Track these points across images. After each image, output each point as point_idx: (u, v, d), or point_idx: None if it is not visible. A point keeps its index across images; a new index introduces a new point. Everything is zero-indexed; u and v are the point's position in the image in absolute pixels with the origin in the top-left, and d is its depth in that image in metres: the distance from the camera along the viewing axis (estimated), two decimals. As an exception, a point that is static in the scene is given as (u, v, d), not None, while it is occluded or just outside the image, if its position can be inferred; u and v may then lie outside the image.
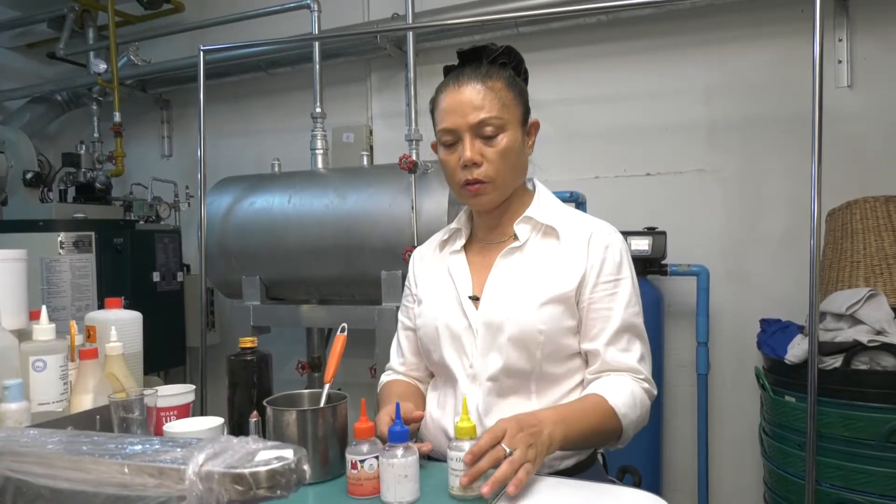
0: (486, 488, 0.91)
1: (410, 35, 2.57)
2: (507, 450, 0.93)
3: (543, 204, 1.25)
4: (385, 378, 1.38)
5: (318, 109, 2.73)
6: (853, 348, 1.80)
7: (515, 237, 1.22)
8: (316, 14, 2.77)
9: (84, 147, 3.28)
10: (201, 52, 2.53)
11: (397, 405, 1.03)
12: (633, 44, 2.66)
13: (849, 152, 2.33)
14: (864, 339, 1.79)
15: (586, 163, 2.74)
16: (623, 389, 1.12)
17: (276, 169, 2.72)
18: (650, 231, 2.44)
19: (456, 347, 1.21)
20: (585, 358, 1.19)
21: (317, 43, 2.76)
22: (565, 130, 2.78)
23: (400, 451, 0.95)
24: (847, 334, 1.83)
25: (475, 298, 1.21)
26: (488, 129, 1.16)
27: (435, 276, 1.31)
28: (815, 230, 1.76)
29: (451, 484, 0.96)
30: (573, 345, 1.17)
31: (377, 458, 0.98)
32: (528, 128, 1.24)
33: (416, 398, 1.28)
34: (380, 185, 2.35)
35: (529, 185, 1.32)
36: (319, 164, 2.70)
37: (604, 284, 1.16)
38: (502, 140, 1.16)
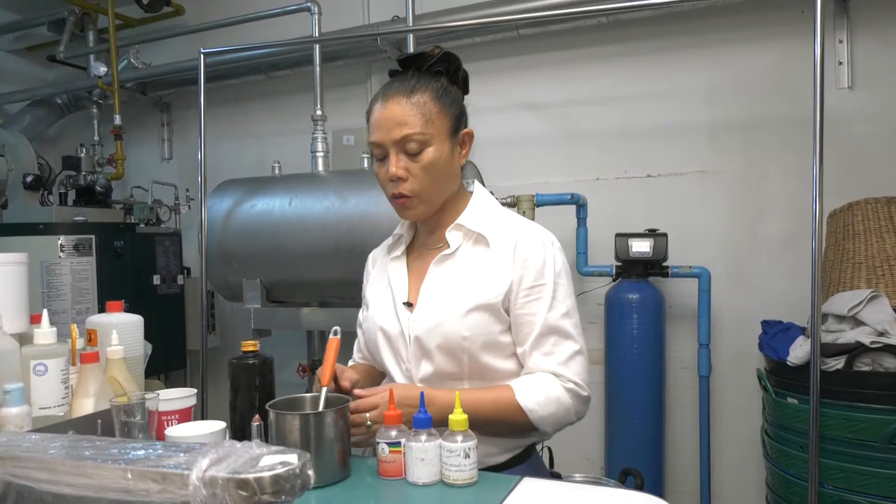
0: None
1: (411, 37, 2.57)
2: (369, 423, 1.10)
3: (476, 210, 1.26)
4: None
5: (319, 112, 2.73)
6: (855, 350, 1.79)
7: (448, 244, 1.24)
8: (316, 17, 2.77)
9: (84, 150, 3.28)
10: (201, 55, 2.53)
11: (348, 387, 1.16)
12: (633, 45, 2.67)
13: (850, 153, 2.33)
14: (866, 340, 1.79)
15: (587, 164, 2.74)
16: (537, 387, 1.14)
17: (277, 171, 2.72)
18: (651, 233, 2.44)
19: (393, 353, 1.26)
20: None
21: (317, 45, 2.75)
22: (566, 132, 2.78)
23: (424, 437, 1.01)
24: (849, 336, 1.83)
25: (409, 304, 1.24)
26: (412, 146, 1.17)
27: (379, 281, 1.35)
28: (816, 231, 1.75)
29: (443, 473, 1.00)
30: (503, 347, 1.19)
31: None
32: (461, 137, 1.24)
33: (372, 376, 1.37)
34: (380, 187, 2.34)
35: (471, 189, 1.32)
36: (320, 167, 2.70)
37: (526, 291, 1.17)
38: (426, 156, 1.17)
